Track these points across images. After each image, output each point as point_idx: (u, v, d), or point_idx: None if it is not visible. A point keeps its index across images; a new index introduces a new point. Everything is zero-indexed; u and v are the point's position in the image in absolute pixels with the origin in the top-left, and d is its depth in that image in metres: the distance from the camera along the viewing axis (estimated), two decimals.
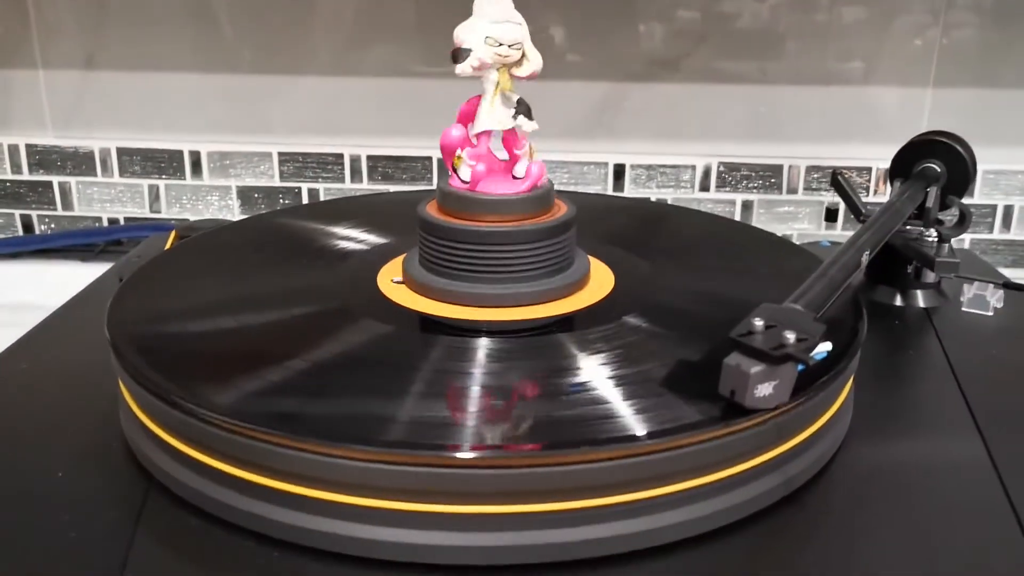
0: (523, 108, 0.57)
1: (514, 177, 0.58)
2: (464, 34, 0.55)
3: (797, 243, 1.04)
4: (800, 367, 0.45)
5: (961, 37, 1.05)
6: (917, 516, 0.48)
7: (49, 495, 0.48)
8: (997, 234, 1.11)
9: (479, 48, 0.54)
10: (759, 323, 0.45)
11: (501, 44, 0.54)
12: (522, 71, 0.56)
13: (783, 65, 1.07)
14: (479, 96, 0.57)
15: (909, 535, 0.46)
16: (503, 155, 0.58)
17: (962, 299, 0.74)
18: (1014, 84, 1.06)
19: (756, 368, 0.43)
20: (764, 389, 0.44)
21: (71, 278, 0.84)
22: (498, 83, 0.56)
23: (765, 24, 1.05)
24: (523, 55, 0.56)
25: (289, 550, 0.44)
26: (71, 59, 1.09)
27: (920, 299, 0.75)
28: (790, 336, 0.44)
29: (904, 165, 0.79)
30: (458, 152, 0.57)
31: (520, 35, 0.55)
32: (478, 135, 0.57)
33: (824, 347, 0.45)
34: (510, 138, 0.58)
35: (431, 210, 0.59)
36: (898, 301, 0.75)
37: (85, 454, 0.51)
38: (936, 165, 0.77)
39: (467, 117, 0.57)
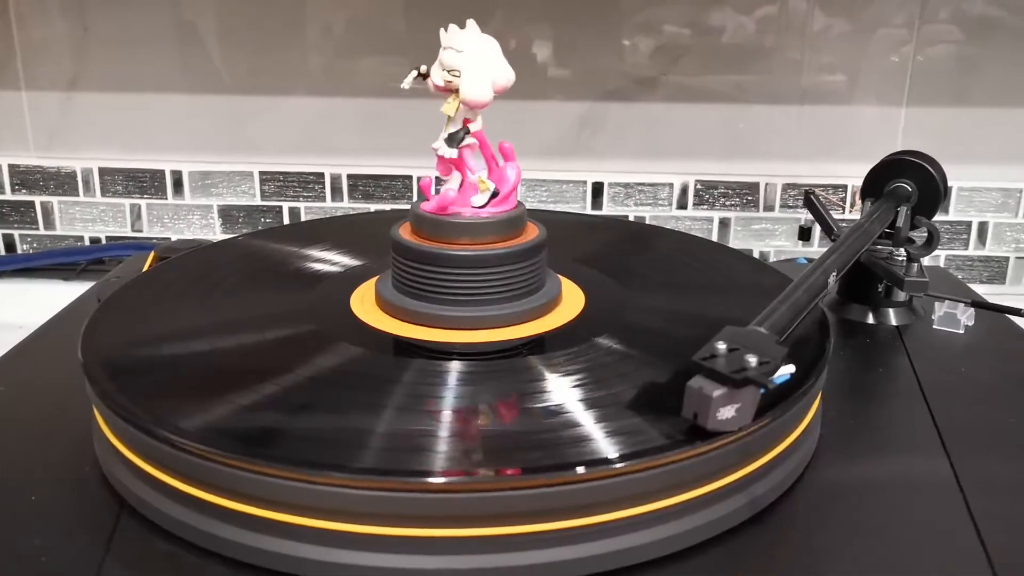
0: (455, 135, 0.58)
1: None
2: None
3: (773, 260, 1.05)
4: (761, 390, 0.45)
5: (935, 55, 1.06)
6: (880, 536, 0.48)
7: (22, 519, 0.48)
8: (972, 250, 1.12)
9: (435, 69, 0.56)
10: (722, 346, 0.46)
11: (443, 68, 0.56)
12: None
13: (760, 83, 1.07)
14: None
15: (872, 555, 0.47)
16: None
17: (933, 317, 0.75)
18: (987, 102, 1.07)
19: (718, 391, 0.44)
20: (726, 412, 0.44)
21: (53, 297, 0.84)
22: (446, 106, 0.57)
23: (744, 40, 1.06)
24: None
25: (259, 575, 0.44)
26: (54, 80, 1.10)
27: (892, 317, 0.76)
28: (752, 360, 0.45)
29: (876, 184, 0.79)
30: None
31: (457, 63, 0.56)
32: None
33: (786, 370, 0.46)
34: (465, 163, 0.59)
35: (404, 233, 0.59)
36: (870, 319, 0.76)
37: (59, 478, 0.52)
38: (907, 185, 0.78)
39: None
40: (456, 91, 0.56)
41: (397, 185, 1.11)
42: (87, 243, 1.15)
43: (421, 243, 0.58)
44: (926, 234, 0.75)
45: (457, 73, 0.56)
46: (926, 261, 0.75)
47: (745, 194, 1.11)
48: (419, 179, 0.60)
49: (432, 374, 0.53)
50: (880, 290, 0.76)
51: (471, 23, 0.56)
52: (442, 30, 0.56)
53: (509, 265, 0.57)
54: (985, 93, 1.07)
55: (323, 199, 1.13)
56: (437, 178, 0.60)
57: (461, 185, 0.59)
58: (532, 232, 0.60)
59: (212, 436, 0.45)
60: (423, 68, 0.57)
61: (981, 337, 0.73)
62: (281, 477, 0.43)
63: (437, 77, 0.56)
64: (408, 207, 0.60)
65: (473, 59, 0.56)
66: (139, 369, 0.54)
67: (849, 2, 1.05)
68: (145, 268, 0.77)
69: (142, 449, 0.47)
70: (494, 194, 0.59)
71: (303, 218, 1.14)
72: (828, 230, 0.78)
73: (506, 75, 0.56)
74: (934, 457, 0.56)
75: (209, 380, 0.52)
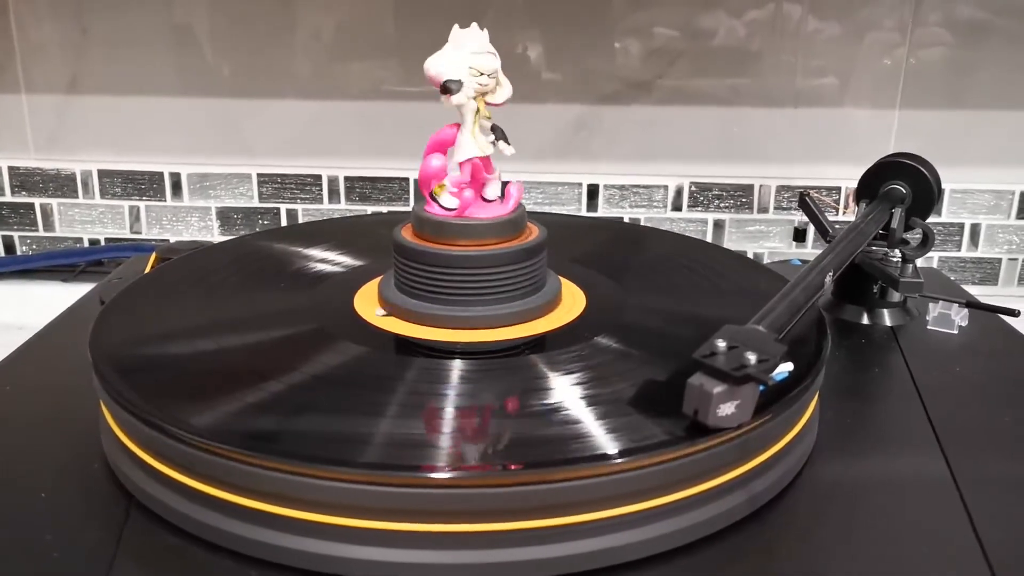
0: (500, 133, 0.58)
1: (484, 199, 0.59)
2: (446, 66, 0.56)
3: (767, 262, 1.05)
4: (761, 387, 0.46)
5: (928, 57, 1.06)
6: (878, 533, 0.49)
7: (33, 516, 0.48)
8: (965, 252, 1.13)
9: (466, 76, 0.56)
10: (722, 344, 0.46)
11: (482, 74, 0.56)
12: (497, 98, 0.58)
13: (754, 86, 1.08)
14: (450, 125, 0.58)
15: (869, 552, 0.47)
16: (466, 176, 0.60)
17: (927, 318, 0.76)
18: (980, 104, 1.07)
19: (718, 388, 0.44)
20: (727, 408, 0.45)
21: (52, 298, 0.84)
22: (477, 111, 0.57)
23: (738, 43, 1.07)
24: (497, 83, 0.58)
25: (267, 569, 0.45)
26: (53, 82, 1.10)
27: (886, 318, 0.76)
28: (751, 357, 0.45)
29: (870, 186, 0.80)
30: (442, 181, 0.59)
31: (497, 65, 0.57)
32: (461, 163, 0.59)
33: (785, 368, 0.46)
34: (483, 163, 0.59)
35: (406, 234, 0.60)
36: (865, 320, 0.76)
37: (67, 475, 0.52)
38: (901, 186, 0.78)
39: (440, 147, 0.59)
40: (481, 95, 0.57)
41: (394, 187, 1.12)
42: (86, 245, 1.16)
43: (423, 244, 0.58)
44: (920, 235, 0.75)
45: (496, 75, 0.57)
46: (920, 262, 0.76)
47: (739, 196, 1.11)
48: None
49: (435, 372, 0.53)
50: (875, 291, 0.77)
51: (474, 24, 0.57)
52: (462, 35, 0.56)
53: (511, 265, 0.58)
54: (977, 96, 1.07)
55: (320, 201, 1.13)
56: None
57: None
58: (532, 232, 0.61)
59: (221, 432, 0.46)
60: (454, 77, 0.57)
61: (975, 337, 0.74)
62: (288, 472, 0.43)
63: (469, 84, 0.57)
64: (405, 208, 0.60)
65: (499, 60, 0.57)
66: (147, 367, 0.55)
67: (842, 5, 1.06)
68: (147, 269, 0.77)
69: (152, 445, 0.48)
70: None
71: (300, 220, 1.14)
72: (823, 232, 0.79)
73: None
74: (930, 456, 0.56)
75: (216, 378, 0.53)
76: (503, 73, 0.58)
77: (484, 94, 0.57)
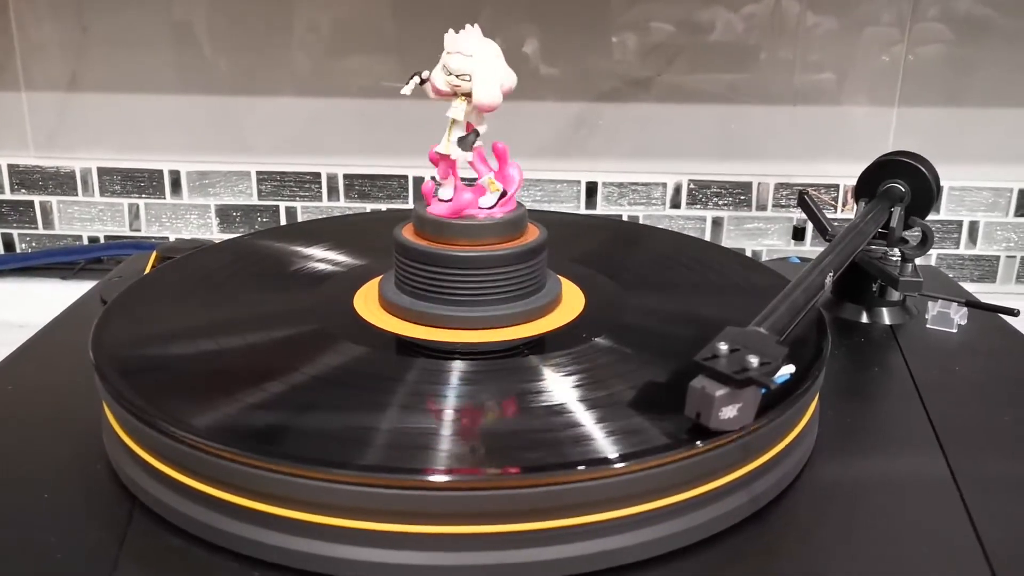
0: (467, 136, 0.58)
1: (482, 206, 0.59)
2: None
3: (766, 259, 1.05)
4: (763, 390, 0.46)
5: (926, 55, 1.06)
6: (878, 532, 0.49)
7: (35, 517, 0.48)
8: (963, 249, 1.13)
9: (436, 74, 0.57)
10: (723, 347, 0.46)
11: (450, 73, 0.56)
12: (473, 100, 0.58)
13: (753, 84, 1.08)
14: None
15: (871, 552, 0.47)
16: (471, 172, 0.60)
17: (927, 316, 0.76)
18: (978, 102, 1.08)
19: (720, 391, 0.44)
20: (728, 411, 0.45)
21: (51, 296, 0.84)
22: (454, 110, 0.58)
23: (736, 39, 1.07)
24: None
25: (269, 570, 0.45)
26: (53, 80, 1.10)
27: (886, 316, 0.76)
28: (753, 360, 0.45)
29: (869, 184, 0.80)
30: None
31: (466, 67, 0.56)
32: (435, 155, 0.59)
33: (786, 370, 0.46)
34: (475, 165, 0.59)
35: (407, 233, 0.60)
36: (864, 318, 0.76)
37: (70, 476, 0.52)
38: (900, 185, 0.78)
39: None
40: (462, 95, 0.57)
41: (393, 185, 1.12)
42: (85, 242, 1.16)
43: (424, 244, 0.58)
44: (919, 234, 0.75)
45: (467, 77, 0.56)
46: (919, 260, 0.76)
47: (738, 193, 1.12)
48: (424, 180, 0.60)
49: (435, 373, 0.53)
50: (874, 289, 0.77)
51: (476, 27, 0.57)
52: (446, 34, 0.56)
53: (511, 266, 0.58)
54: (976, 93, 1.07)
55: (320, 199, 1.13)
56: (433, 178, 0.60)
57: (457, 188, 0.59)
58: (533, 233, 0.61)
59: (223, 433, 0.46)
60: (424, 74, 0.57)
61: (974, 336, 0.74)
62: (290, 474, 0.43)
63: (440, 82, 0.57)
64: (404, 206, 0.60)
65: (483, 63, 0.56)
66: (149, 368, 0.55)
67: (841, 1, 1.06)
68: (148, 268, 0.77)
69: (154, 447, 0.48)
70: (502, 194, 0.59)
71: (300, 218, 1.15)
72: (822, 230, 0.79)
73: (511, 78, 0.57)
74: (930, 455, 0.56)
75: (218, 379, 0.53)
76: (488, 81, 0.58)
77: (468, 94, 0.57)
